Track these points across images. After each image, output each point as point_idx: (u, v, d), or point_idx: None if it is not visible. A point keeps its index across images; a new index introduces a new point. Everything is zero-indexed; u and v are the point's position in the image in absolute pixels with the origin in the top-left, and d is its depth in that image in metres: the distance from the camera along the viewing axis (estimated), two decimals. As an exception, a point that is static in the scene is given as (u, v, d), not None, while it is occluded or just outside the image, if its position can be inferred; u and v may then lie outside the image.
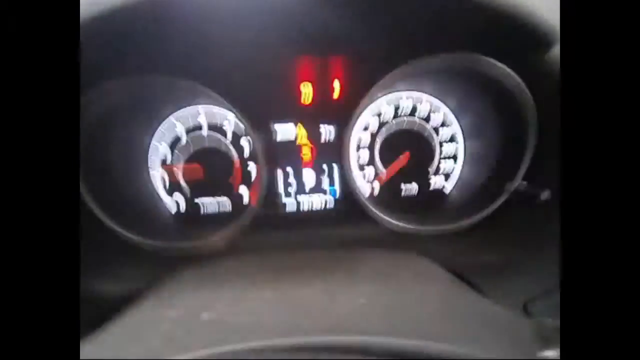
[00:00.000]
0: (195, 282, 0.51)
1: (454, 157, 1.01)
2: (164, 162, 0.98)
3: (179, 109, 0.97)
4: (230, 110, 0.96)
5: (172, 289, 0.49)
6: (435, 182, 1.02)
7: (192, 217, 0.98)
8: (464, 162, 1.01)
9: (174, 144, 0.97)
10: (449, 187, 1.02)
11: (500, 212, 0.83)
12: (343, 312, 0.38)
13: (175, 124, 0.97)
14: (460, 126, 0.99)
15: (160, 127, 0.97)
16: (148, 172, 0.98)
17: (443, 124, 0.99)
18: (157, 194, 0.99)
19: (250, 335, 0.34)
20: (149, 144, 0.97)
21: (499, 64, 0.75)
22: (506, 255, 0.80)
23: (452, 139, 1.00)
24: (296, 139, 0.96)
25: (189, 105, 0.97)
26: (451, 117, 0.99)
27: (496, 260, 0.82)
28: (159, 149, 0.97)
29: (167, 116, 0.97)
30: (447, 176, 1.02)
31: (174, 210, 0.99)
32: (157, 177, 0.98)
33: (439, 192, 1.02)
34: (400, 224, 0.85)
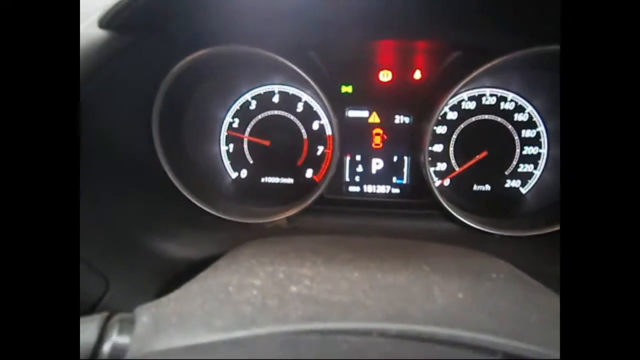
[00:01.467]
0: (273, 256, 0.50)
1: (535, 161, 0.94)
2: (235, 137, 0.99)
3: (255, 87, 0.97)
4: (306, 90, 0.95)
5: (250, 259, 0.49)
6: (511, 184, 0.96)
7: (256, 193, 0.99)
8: (545, 167, 0.94)
9: (247, 120, 0.98)
10: (524, 191, 0.96)
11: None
12: (444, 304, 0.36)
13: (250, 102, 0.98)
14: (546, 128, 0.92)
15: (234, 104, 0.98)
16: (219, 146, 1.00)
17: (527, 125, 0.93)
18: (225, 168, 1.00)
19: (353, 315, 0.33)
20: (224, 118, 0.98)
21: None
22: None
23: (535, 142, 0.93)
24: (370, 126, 0.94)
25: (265, 84, 0.97)
26: (537, 118, 0.92)
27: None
28: (232, 124, 0.99)
29: (243, 93, 0.98)
30: (524, 181, 0.95)
31: (239, 185, 1.01)
32: (227, 152, 1.00)
33: (514, 194, 0.96)
34: (473, 223, 0.81)
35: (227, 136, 0.99)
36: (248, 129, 0.99)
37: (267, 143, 0.98)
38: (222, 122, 0.99)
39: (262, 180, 1.01)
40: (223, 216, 0.85)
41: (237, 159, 1.00)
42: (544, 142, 0.93)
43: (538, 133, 0.93)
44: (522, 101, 0.92)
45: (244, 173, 1.01)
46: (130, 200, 0.77)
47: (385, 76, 0.91)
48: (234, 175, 1.01)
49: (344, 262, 0.46)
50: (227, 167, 1.01)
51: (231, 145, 1.00)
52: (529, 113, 0.92)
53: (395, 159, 0.95)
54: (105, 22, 0.57)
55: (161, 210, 0.83)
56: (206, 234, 0.83)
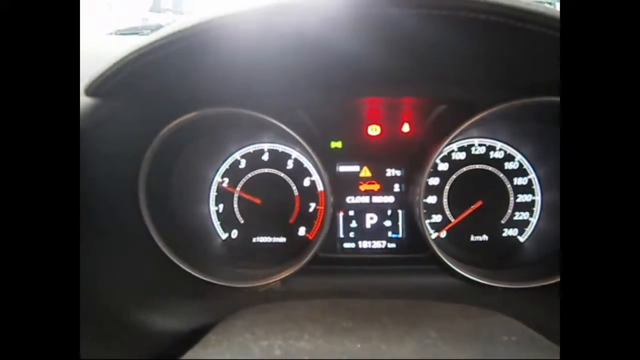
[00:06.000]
0: (268, 327, 0.46)
1: (530, 209, 0.93)
2: (223, 198, 0.97)
3: (244, 146, 0.97)
4: (295, 147, 0.95)
5: (243, 333, 0.45)
6: (509, 233, 0.94)
7: (248, 254, 0.95)
8: (540, 215, 0.92)
9: (237, 179, 0.97)
10: (522, 239, 0.94)
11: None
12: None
13: (239, 161, 0.97)
14: (538, 176, 0.92)
15: (224, 164, 0.97)
16: (208, 206, 0.97)
17: (518, 173, 0.93)
18: (216, 229, 0.97)
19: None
20: (213, 178, 0.97)
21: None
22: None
23: (527, 189, 0.93)
24: (361, 180, 0.93)
25: (253, 142, 0.97)
26: (527, 166, 0.92)
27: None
28: (221, 184, 0.97)
29: (232, 153, 0.97)
30: (521, 229, 0.94)
31: (229, 246, 0.97)
32: (217, 212, 0.97)
33: (513, 244, 0.94)
34: (473, 276, 0.78)
35: (216, 196, 0.97)
36: (238, 188, 0.97)
37: (258, 201, 0.96)
38: (212, 182, 0.97)
39: (254, 240, 0.98)
40: (213, 281, 0.80)
41: (227, 219, 0.98)
42: (537, 189, 0.92)
43: (530, 180, 0.93)
44: (510, 150, 0.93)
45: (234, 233, 0.98)
46: (113, 268, 0.72)
47: (373, 130, 0.92)
48: (224, 236, 0.98)
49: (344, 332, 0.43)
50: (217, 227, 0.98)
51: (221, 206, 0.98)
52: (518, 161, 0.93)
53: (389, 212, 0.93)
54: (92, 90, 0.57)
55: (147, 278, 0.79)
56: (196, 302, 0.79)
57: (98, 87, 0.57)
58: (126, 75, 0.55)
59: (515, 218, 0.93)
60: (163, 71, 0.59)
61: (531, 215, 0.93)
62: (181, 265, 0.80)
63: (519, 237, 0.94)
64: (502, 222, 0.94)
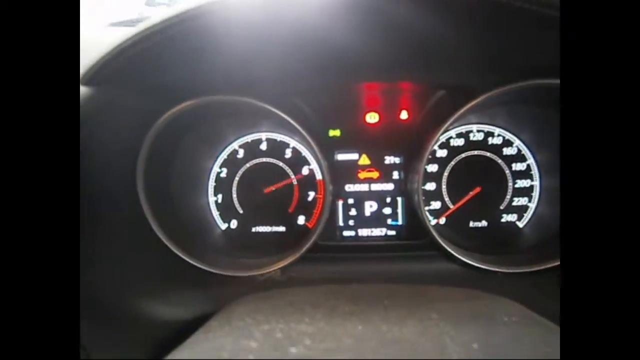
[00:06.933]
0: (269, 312, 0.46)
1: (529, 194, 0.93)
2: (222, 187, 0.97)
3: (242, 136, 0.97)
4: (293, 136, 0.95)
5: (244, 317, 0.45)
6: (508, 219, 0.94)
7: (247, 244, 0.96)
8: (539, 200, 0.93)
9: (235, 169, 0.97)
10: (521, 224, 0.94)
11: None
12: (458, 357, 0.32)
13: (237, 150, 0.97)
14: (536, 161, 0.92)
15: (222, 153, 0.97)
16: (207, 197, 0.97)
17: (516, 159, 0.93)
18: (215, 220, 0.97)
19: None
20: (211, 168, 0.96)
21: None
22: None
23: (526, 175, 0.93)
24: (360, 168, 0.93)
25: (252, 132, 0.96)
26: (526, 151, 0.92)
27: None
28: (220, 174, 0.97)
29: (231, 142, 0.97)
30: (520, 214, 0.94)
31: (229, 236, 0.97)
32: (214, 201, 0.97)
33: (512, 229, 0.94)
34: (473, 261, 0.78)
35: (215, 187, 0.97)
36: (236, 178, 0.97)
37: (258, 193, 0.96)
38: (210, 173, 0.97)
39: (253, 230, 0.98)
40: (214, 270, 0.80)
41: (226, 210, 0.98)
42: (535, 175, 0.92)
43: (528, 166, 0.93)
44: (509, 135, 0.93)
45: (233, 223, 0.98)
46: (114, 259, 0.72)
47: (372, 118, 0.91)
48: (223, 226, 0.98)
49: (346, 315, 0.43)
50: (216, 218, 0.98)
51: (219, 196, 0.97)
52: (517, 147, 0.93)
53: (388, 200, 0.93)
54: (87, 78, 0.56)
55: (147, 268, 0.79)
56: (196, 291, 0.79)
57: (94, 75, 0.56)
58: (122, 62, 0.55)
59: (514, 204, 0.94)
60: (158, 58, 0.59)
61: (530, 201, 0.93)
62: (181, 255, 0.80)
63: (517, 223, 0.94)
64: (501, 207, 0.94)
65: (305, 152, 0.95)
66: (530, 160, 0.92)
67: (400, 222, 0.93)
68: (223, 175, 0.97)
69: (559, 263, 0.76)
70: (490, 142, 0.93)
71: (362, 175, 0.93)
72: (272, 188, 0.96)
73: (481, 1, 0.49)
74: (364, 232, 0.94)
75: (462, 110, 0.75)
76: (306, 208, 0.96)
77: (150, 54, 0.56)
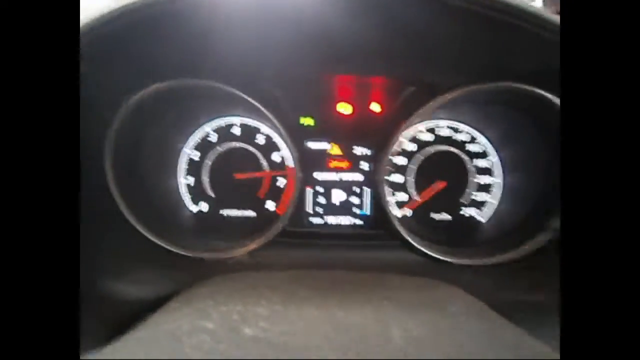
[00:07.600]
0: (229, 294, 0.48)
1: (489, 190, 0.97)
2: (193, 170, 0.97)
3: (214, 118, 0.96)
4: (265, 122, 0.95)
5: (204, 299, 0.46)
6: (469, 213, 0.98)
7: (216, 227, 0.96)
8: (502, 195, 0.97)
9: (206, 152, 0.97)
10: (483, 219, 0.98)
11: (541, 251, 0.79)
12: (402, 345, 0.35)
13: (208, 133, 0.96)
14: (500, 158, 0.96)
15: (193, 135, 0.97)
16: (176, 179, 0.97)
17: (480, 155, 0.97)
18: (183, 201, 0.98)
19: (303, 358, 0.31)
20: (181, 150, 0.96)
21: (548, 96, 0.72)
22: (545, 297, 0.76)
23: (488, 171, 0.97)
24: (330, 157, 0.94)
25: (224, 115, 0.96)
26: (490, 149, 0.96)
27: (532, 301, 0.77)
28: (190, 156, 0.97)
29: (202, 125, 0.96)
30: (481, 209, 0.98)
31: (198, 219, 0.98)
32: (185, 184, 0.97)
33: (473, 223, 0.98)
34: (432, 252, 0.81)
35: (187, 169, 0.97)
36: (208, 161, 0.97)
37: (228, 177, 0.96)
38: (181, 154, 0.97)
39: (223, 213, 0.98)
40: (182, 252, 0.81)
41: (197, 192, 0.98)
42: (498, 172, 0.97)
43: (492, 163, 0.97)
44: (474, 132, 0.96)
45: (204, 206, 0.98)
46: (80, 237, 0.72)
47: (344, 109, 0.93)
48: (193, 208, 0.98)
49: (303, 300, 0.45)
50: (186, 200, 0.98)
51: (191, 178, 0.97)
52: (481, 144, 0.96)
53: (357, 190, 0.95)
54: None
55: (114, 248, 0.79)
56: (164, 272, 0.79)
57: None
58: (95, 37, 0.54)
59: (476, 198, 0.98)
60: (130, 39, 0.58)
61: (490, 195, 0.97)
62: (149, 236, 0.80)
63: (479, 218, 0.98)
64: (463, 202, 0.98)
65: (277, 139, 0.96)
66: (494, 158, 0.96)
67: (367, 212, 0.96)
68: (195, 157, 0.97)
69: (514, 257, 0.80)
70: (456, 138, 0.96)
71: (333, 164, 0.95)
72: (244, 177, 0.97)
73: (462, 4, 0.51)
74: (332, 220, 0.96)
75: (425, 106, 0.77)
76: (276, 194, 0.98)
77: (124, 34, 0.55)
